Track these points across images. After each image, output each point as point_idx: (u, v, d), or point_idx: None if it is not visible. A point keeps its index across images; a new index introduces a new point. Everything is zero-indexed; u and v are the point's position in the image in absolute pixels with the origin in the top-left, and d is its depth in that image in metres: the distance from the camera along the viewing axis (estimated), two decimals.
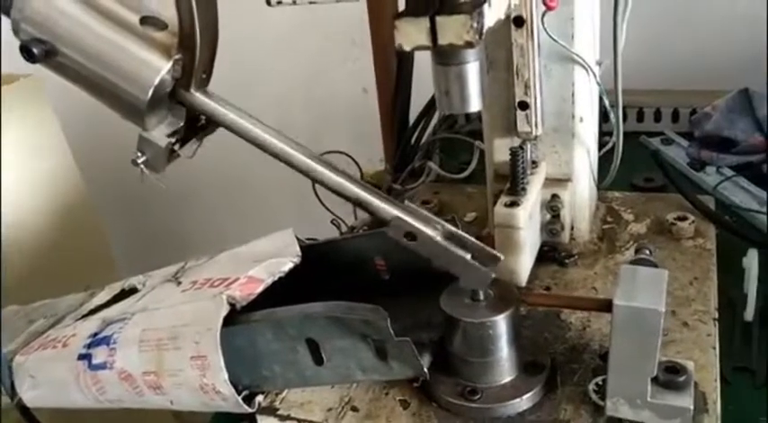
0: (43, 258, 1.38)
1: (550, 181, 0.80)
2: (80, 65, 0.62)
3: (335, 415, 0.65)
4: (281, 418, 0.66)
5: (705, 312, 0.71)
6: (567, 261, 0.81)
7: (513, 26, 0.71)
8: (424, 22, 0.48)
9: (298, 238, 0.76)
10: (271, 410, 0.67)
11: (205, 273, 0.77)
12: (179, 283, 0.78)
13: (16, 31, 0.63)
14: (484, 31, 0.49)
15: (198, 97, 0.62)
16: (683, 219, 0.84)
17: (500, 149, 0.81)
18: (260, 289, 0.68)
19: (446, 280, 0.69)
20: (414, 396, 0.65)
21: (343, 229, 0.99)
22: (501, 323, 0.62)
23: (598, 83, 0.77)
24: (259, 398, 0.68)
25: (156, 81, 0.61)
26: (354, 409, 0.65)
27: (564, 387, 0.64)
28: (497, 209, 0.72)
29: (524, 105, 0.75)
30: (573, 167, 0.80)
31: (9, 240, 1.31)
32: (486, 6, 0.49)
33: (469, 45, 0.48)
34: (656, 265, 0.62)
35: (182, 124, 0.64)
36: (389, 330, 0.57)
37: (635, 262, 0.63)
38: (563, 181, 0.80)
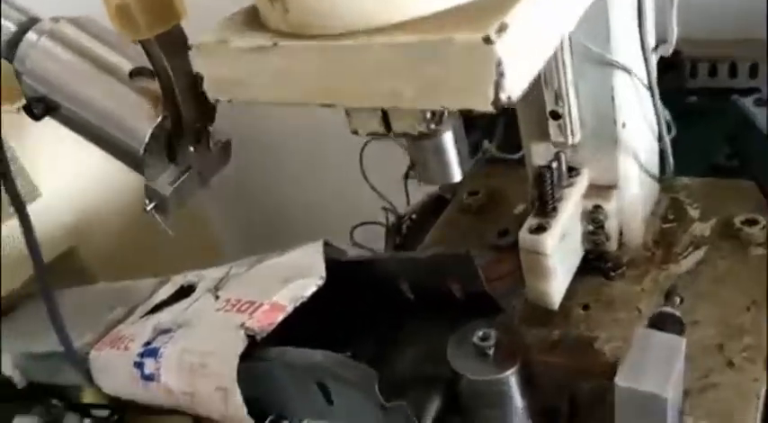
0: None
1: (594, 188, 0.72)
2: (80, 117, 0.63)
3: None
4: None
5: (757, 348, 0.64)
6: (612, 274, 0.74)
7: None
8: (376, 112, 0.44)
9: (329, 246, 0.76)
10: None
11: (239, 289, 0.79)
12: (217, 297, 0.81)
13: (20, 83, 0.64)
14: (444, 117, 0.43)
15: None
16: (753, 222, 0.74)
17: (538, 153, 0.74)
18: (281, 318, 0.69)
19: (470, 309, 0.67)
20: None
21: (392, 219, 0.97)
22: (509, 379, 0.59)
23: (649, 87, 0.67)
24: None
25: (149, 133, 0.60)
26: None
27: None
28: (522, 234, 0.67)
29: (556, 115, 0.68)
30: (618, 174, 0.71)
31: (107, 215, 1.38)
32: None
33: (425, 135, 0.43)
34: (681, 323, 0.56)
35: (183, 171, 0.64)
36: (379, 397, 0.57)
37: (657, 316, 0.57)
38: (608, 188, 0.72)
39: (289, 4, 0.37)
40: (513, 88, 0.34)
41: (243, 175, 1.46)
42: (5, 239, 1.02)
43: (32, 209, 1.21)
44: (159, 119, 0.60)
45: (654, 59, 0.65)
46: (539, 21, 0.35)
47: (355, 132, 0.45)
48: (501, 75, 0.32)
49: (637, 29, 0.65)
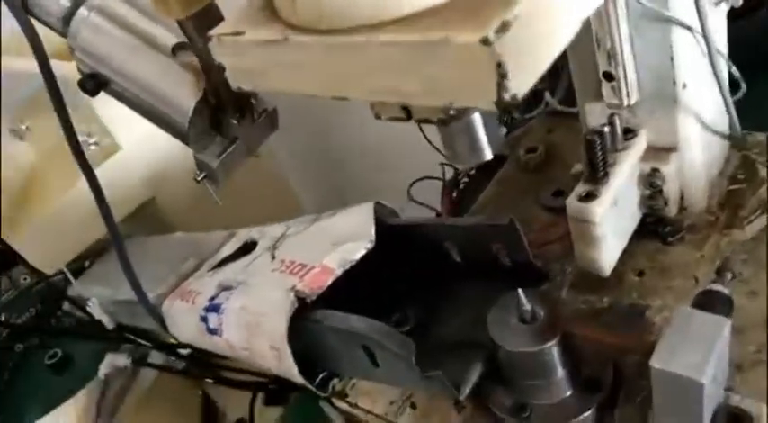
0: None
1: (652, 150, 0.69)
2: (128, 91, 0.65)
3: (395, 409, 0.68)
4: (350, 404, 0.71)
5: None
6: (670, 239, 0.71)
7: None
8: None
9: (381, 207, 0.77)
10: (342, 395, 0.72)
11: (294, 249, 0.81)
12: (273, 257, 0.83)
13: (74, 59, 0.66)
14: None
15: None
16: None
17: (593, 114, 0.71)
18: (330, 281, 0.71)
19: (517, 276, 0.66)
20: (472, 401, 0.66)
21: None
22: (550, 350, 0.59)
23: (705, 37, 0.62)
24: (334, 380, 0.73)
25: (192, 107, 0.62)
26: (413, 405, 0.68)
27: (625, 406, 0.61)
28: (570, 201, 0.65)
29: (609, 76, 0.64)
30: (678, 136, 0.68)
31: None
32: None
33: (443, 122, 0.42)
34: (730, 302, 0.54)
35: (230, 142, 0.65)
36: (417, 369, 0.58)
37: (704, 294, 0.55)
38: (667, 150, 0.69)
39: None
40: (520, 87, 0.32)
41: (312, 128, 1.48)
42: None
43: (113, 162, 1.28)
44: (201, 93, 0.61)
45: (715, 14, 0.60)
46: (550, 10, 0.33)
47: (378, 117, 0.45)
48: (503, 76, 0.31)
49: None
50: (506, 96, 0.31)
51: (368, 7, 0.34)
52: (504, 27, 0.30)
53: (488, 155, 0.49)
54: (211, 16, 0.54)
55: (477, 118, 0.47)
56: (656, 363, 0.49)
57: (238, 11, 0.43)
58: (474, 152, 0.48)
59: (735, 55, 0.68)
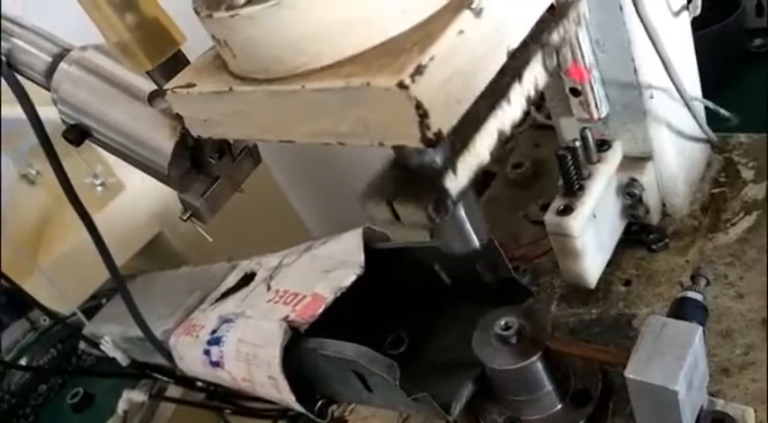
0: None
1: (628, 160, 0.70)
2: (110, 140, 0.67)
3: None
4: None
5: None
6: (654, 246, 0.72)
7: None
8: (386, 207, 0.45)
9: (371, 231, 0.78)
10: (341, 421, 0.73)
11: (288, 280, 0.83)
12: (269, 288, 0.85)
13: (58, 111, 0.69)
14: (451, 203, 0.43)
15: None
16: None
17: (568, 129, 0.72)
18: (321, 309, 0.72)
19: (502, 294, 0.67)
20: (466, 418, 0.67)
21: None
22: (533, 366, 0.60)
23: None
24: (333, 406, 0.74)
25: (171, 151, 0.63)
26: None
27: (614, 418, 0.61)
28: (547, 217, 0.66)
29: (576, 92, 0.65)
30: (652, 145, 0.68)
31: None
32: (448, 178, 0.41)
33: (433, 222, 0.43)
34: (704, 309, 0.54)
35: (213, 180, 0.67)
36: (403, 392, 0.59)
37: (678, 302, 0.55)
38: (642, 159, 0.69)
39: (234, 50, 0.38)
40: (443, 123, 0.33)
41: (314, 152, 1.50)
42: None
43: (120, 201, 1.31)
44: (179, 136, 0.62)
45: (676, 23, 0.61)
46: (468, 49, 0.34)
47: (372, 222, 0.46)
48: (423, 115, 0.32)
49: None
50: (430, 134, 0.33)
51: (293, 57, 0.36)
52: (419, 70, 0.32)
53: (476, 244, 0.51)
54: (179, 64, 0.56)
55: (460, 214, 0.48)
56: (630, 373, 0.50)
57: (193, 64, 0.45)
58: (462, 243, 0.51)
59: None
